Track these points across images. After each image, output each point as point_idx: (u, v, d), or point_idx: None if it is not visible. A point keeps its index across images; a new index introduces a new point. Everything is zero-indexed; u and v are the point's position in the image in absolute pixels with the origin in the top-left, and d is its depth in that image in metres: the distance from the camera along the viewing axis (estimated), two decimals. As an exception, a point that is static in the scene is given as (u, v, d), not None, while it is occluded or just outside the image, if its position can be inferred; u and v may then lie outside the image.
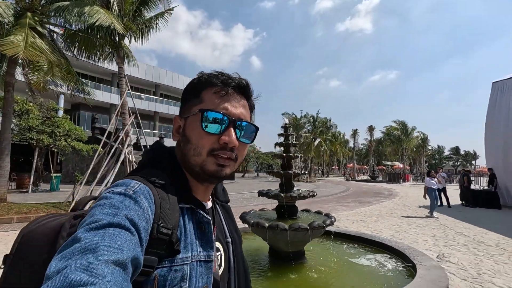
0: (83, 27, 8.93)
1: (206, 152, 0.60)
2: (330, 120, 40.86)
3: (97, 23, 7.69)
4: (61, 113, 17.09)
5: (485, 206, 10.66)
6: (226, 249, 0.70)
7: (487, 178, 12.20)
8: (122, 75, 9.67)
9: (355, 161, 50.02)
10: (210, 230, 0.62)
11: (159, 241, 0.51)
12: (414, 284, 3.12)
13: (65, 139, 14.90)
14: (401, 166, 32.99)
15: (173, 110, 40.62)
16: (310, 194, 4.25)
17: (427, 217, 8.60)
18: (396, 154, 40.55)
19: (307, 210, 4.72)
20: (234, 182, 26.28)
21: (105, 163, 8.87)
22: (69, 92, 9.77)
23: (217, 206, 0.74)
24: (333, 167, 60.11)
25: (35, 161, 14.77)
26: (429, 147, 60.28)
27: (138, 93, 38.08)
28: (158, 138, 30.62)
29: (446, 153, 71.21)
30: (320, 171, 49.94)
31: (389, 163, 35.72)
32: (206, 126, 0.60)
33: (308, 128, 33.88)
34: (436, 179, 9.76)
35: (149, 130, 38.04)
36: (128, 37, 10.09)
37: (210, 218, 0.63)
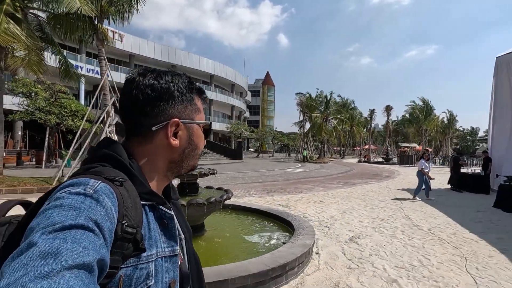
0: (63, 11, 9.37)
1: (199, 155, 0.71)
2: (347, 100, 39.47)
3: (66, 9, 8.07)
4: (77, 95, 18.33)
5: (473, 191, 10.09)
6: (181, 246, 0.68)
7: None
8: (102, 57, 10.14)
9: (374, 142, 48.20)
10: (173, 224, 0.63)
11: (123, 241, 0.49)
12: (285, 246, 3.39)
13: (72, 119, 16.08)
14: (419, 148, 31.31)
15: (189, 90, 41.47)
16: (210, 172, 4.42)
17: (412, 200, 8.49)
18: (419, 135, 38.48)
19: (210, 187, 4.92)
20: (242, 161, 26.79)
21: (87, 142, 9.58)
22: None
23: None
24: (355, 148, 58.55)
25: (46, 139, 16.20)
26: (461, 128, 56.24)
27: (156, 74, 39.09)
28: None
29: (481, 134, 65.71)
30: (338, 152, 48.97)
31: (407, 144, 34.01)
32: (207, 136, 0.71)
33: (321, 108, 33.03)
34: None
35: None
36: (109, 20, 10.46)
37: (173, 214, 0.63)
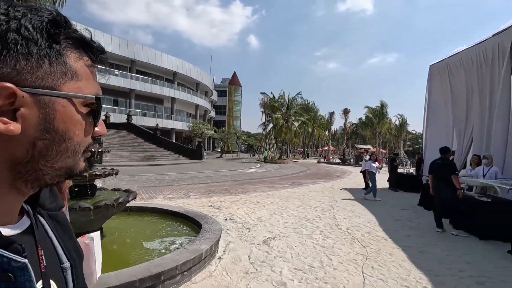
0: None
1: (83, 150, 0.42)
2: (309, 103, 40.49)
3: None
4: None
5: (407, 190, 10.68)
6: (63, 278, 0.46)
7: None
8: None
9: (335, 143, 50.06)
10: (27, 277, 0.36)
11: None
12: (174, 252, 3.10)
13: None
14: (373, 149, 33.09)
15: (150, 87, 39.81)
16: (106, 173, 4.05)
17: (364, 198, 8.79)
18: (374, 137, 40.64)
19: (117, 189, 4.56)
20: (201, 162, 26.20)
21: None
22: None
23: (42, 219, 0.48)
24: (318, 149, 60.40)
25: None
26: (413, 131, 60.37)
27: (113, 69, 37.07)
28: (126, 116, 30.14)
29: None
30: (301, 153, 50.01)
31: (362, 146, 35.80)
32: (95, 119, 0.43)
33: (283, 109, 33.51)
34: (376, 163, 9.85)
35: (122, 108, 37.41)
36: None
37: (25, 262, 0.36)
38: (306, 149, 51.24)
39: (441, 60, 11.21)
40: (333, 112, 39.41)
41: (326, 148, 39.00)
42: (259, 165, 25.86)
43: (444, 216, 5.80)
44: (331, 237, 4.92)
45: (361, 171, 11.54)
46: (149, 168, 18.64)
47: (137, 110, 39.19)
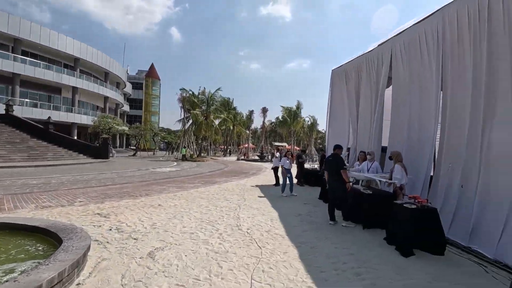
0: None
1: None
2: (230, 100, 40.51)
3: None
4: None
5: (313, 185, 11.42)
6: None
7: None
8: None
9: (255, 141, 51.70)
10: None
11: None
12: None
13: None
14: (288, 147, 35.49)
15: (42, 73, 33.23)
16: None
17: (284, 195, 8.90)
18: (290, 135, 43.55)
19: None
20: (107, 161, 23.14)
21: None
22: None
23: None
24: (240, 146, 61.46)
25: None
26: (322, 130, 67.20)
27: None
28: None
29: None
30: (222, 151, 49.85)
31: (279, 143, 38.04)
32: None
33: (203, 106, 32.59)
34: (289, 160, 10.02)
35: (1, 96, 30.23)
36: None
37: None
38: (227, 147, 51.46)
39: (340, 66, 12.35)
40: (252, 110, 40.59)
41: (246, 145, 39.79)
42: (175, 163, 24.43)
43: (337, 208, 6.22)
44: (228, 240, 4.62)
45: (272, 168, 11.87)
46: (33, 170, 15.34)
47: (24, 99, 32.29)
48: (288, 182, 9.36)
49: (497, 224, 4.00)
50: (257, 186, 11.27)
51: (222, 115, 34.96)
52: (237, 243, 4.46)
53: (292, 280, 3.29)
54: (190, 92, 34.14)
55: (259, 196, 8.85)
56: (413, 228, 4.19)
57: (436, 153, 5.91)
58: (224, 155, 43.30)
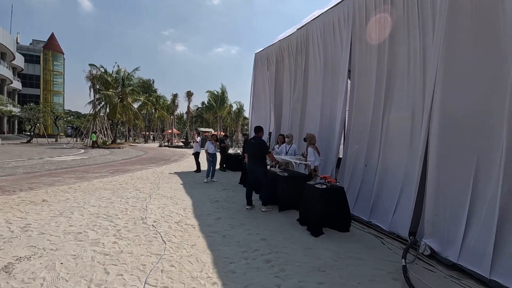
0: None
1: None
2: (149, 80, 37.20)
3: None
4: None
5: (235, 170, 11.20)
6: None
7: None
8: None
9: (181, 126, 49.32)
10: None
11: None
12: None
13: None
14: (215, 132, 34.86)
15: None
16: None
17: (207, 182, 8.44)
18: (217, 121, 42.78)
19: None
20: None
21: None
22: None
23: None
24: (164, 132, 57.67)
25: None
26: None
27: None
28: None
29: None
30: (145, 136, 45.91)
31: (204, 129, 37.09)
32: None
33: (117, 86, 28.98)
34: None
35: None
36: None
37: None
38: (149, 133, 47.74)
39: (263, 49, 12.22)
40: (176, 94, 38.06)
41: (170, 131, 37.48)
42: (83, 151, 21.22)
43: (255, 192, 6.05)
44: (127, 237, 3.90)
45: (193, 154, 11.18)
46: None
47: None
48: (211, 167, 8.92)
49: (391, 200, 4.36)
50: (176, 173, 10.46)
51: (141, 98, 31.83)
52: (137, 240, 3.80)
53: (195, 277, 2.86)
54: (102, 70, 29.90)
55: (176, 183, 8.15)
56: (322, 207, 4.25)
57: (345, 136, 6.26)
58: (146, 142, 39.98)
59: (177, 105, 40.12)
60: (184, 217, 4.92)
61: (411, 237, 3.80)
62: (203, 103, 42.42)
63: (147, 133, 44.98)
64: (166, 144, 33.07)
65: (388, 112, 4.76)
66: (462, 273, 3.07)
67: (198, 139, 11.32)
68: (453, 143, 3.48)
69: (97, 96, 29.08)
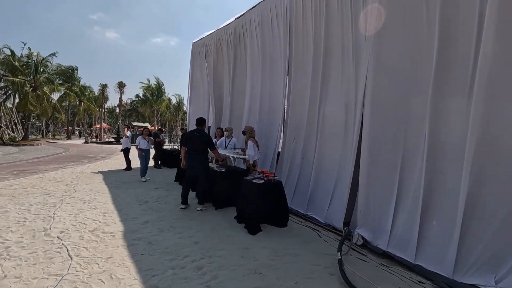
0: None
1: None
2: (72, 67, 32.78)
3: None
4: None
5: (172, 166, 10.39)
6: None
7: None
8: None
9: (113, 121, 45.03)
10: None
11: None
12: None
13: None
14: (152, 128, 32.55)
15: None
16: None
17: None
18: (154, 115, 39.99)
19: None
20: None
21: None
22: None
23: None
24: (92, 127, 51.62)
25: None
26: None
27: None
28: None
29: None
30: (67, 132, 40.37)
31: (139, 124, 34.33)
32: None
33: (30, 74, 24.68)
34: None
35: None
36: None
37: None
38: (74, 128, 42.29)
39: (201, 39, 11.58)
40: (105, 84, 34.25)
41: (99, 126, 33.68)
42: (-20, 149, 17.51)
43: (192, 190, 5.56)
44: (18, 256, 3.07)
45: (122, 150, 10.03)
46: None
47: None
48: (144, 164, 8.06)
49: (327, 192, 4.38)
50: (101, 172, 9.22)
51: (60, 88, 27.78)
52: (32, 259, 3.01)
53: (105, 300, 2.32)
54: (8, 52, 25.11)
55: (98, 184, 7.11)
56: (260, 203, 4.03)
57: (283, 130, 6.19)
58: (69, 138, 35.20)
59: (107, 97, 36.29)
60: (103, 223, 4.18)
61: (345, 228, 3.84)
62: (137, 95, 39.14)
63: (70, 128, 39.64)
64: (94, 140, 29.62)
65: (323, 105, 4.78)
66: (391, 261, 3.17)
67: (128, 133, 10.17)
68: (382, 136, 3.59)
69: (1, 84, 24.35)
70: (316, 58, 4.93)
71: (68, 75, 32.24)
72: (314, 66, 4.98)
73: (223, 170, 5.26)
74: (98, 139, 30.84)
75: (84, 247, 3.33)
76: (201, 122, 5.37)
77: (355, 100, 4.11)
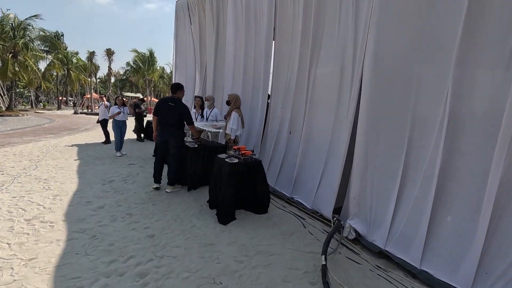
0: None
1: None
2: (57, 33, 30.83)
3: None
4: None
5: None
6: None
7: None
8: None
9: (103, 91, 43.70)
10: None
11: None
12: None
13: None
14: (145, 98, 31.30)
15: None
16: None
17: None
18: (147, 86, 38.47)
19: None
20: None
21: None
22: None
23: None
24: (84, 97, 50.05)
25: None
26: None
27: None
28: None
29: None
30: (59, 102, 39.06)
31: (131, 94, 32.99)
32: None
33: (8, 39, 22.99)
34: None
35: None
36: None
37: None
38: (67, 98, 40.99)
39: (186, -3, 10.28)
40: (93, 52, 32.36)
41: (89, 96, 32.39)
42: (-41, 120, 16.63)
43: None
44: None
45: (98, 121, 9.22)
46: None
47: None
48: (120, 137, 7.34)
49: (316, 173, 3.67)
50: (77, 145, 8.50)
51: (44, 55, 26.18)
52: None
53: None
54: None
55: (67, 160, 6.39)
56: (234, 186, 3.33)
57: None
58: (59, 108, 34.08)
59: (98, 66, 34.61)
60: (47, 209, 3.51)
61: (334, 217, 3.18)
62: (128, 63, 37.28)
63: (62, 98, 38.30)
64: (85, 111, 28.61)
65: (314, 68, 3.90)
66: (390, 262, 2.53)
67: (107, 103, 9.29)
68: (385, 103, 2.79)
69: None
70: (307, 10, 3.97)
71: (53, 42, 30.34)
72: (304, 21, 4.03)
73: (196, 145, 4.51)
74: (90, 110, 29.79)
75: (7, 243, 2.67)
76: (177, 88, 4.41)
77: (352, 60, 3.25)
